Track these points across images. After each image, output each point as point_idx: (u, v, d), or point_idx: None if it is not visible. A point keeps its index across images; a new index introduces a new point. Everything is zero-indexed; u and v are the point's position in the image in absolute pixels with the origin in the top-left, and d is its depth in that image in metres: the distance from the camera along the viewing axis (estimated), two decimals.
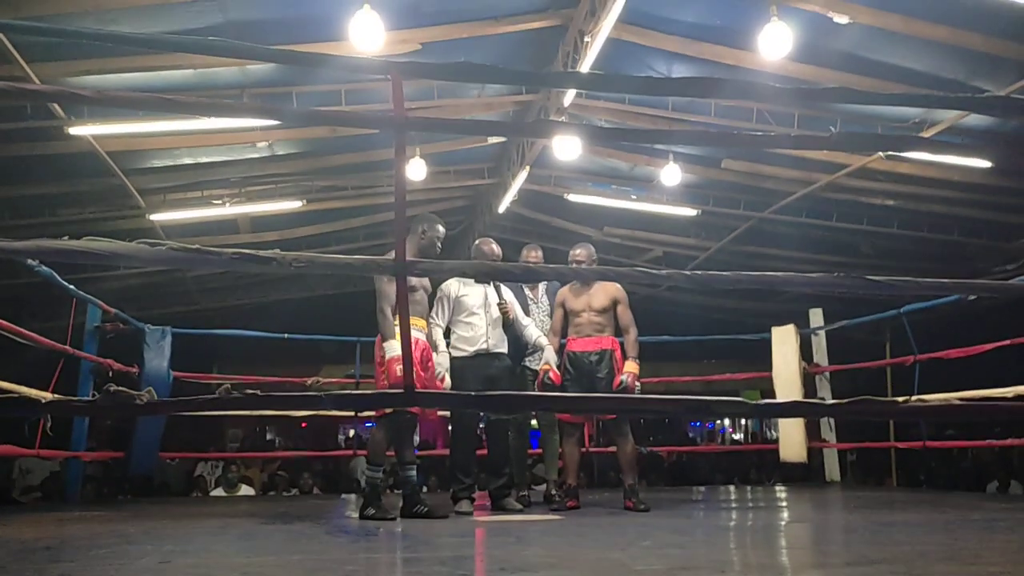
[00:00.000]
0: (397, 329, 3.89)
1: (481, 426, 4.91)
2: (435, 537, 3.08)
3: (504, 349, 4.46)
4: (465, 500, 4.23)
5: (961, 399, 3.98)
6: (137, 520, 4.01)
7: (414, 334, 3.92)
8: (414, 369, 3.84)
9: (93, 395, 1.90)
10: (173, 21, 5.53)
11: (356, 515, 3.89)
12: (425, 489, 7.19)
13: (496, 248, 4.57)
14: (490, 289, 4.43)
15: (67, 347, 4.99)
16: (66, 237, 1.80)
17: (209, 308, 12.28)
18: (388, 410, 3.91)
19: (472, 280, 4.45)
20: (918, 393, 4.88)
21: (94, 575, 2.17)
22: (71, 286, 4.99)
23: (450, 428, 5.15)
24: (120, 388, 1.85)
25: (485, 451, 4.64)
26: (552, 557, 2.53)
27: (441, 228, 4.24)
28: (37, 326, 4.48)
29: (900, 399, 2.04)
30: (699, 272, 2.10)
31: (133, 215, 8.60)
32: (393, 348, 3.81)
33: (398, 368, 3.72)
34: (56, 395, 4.27)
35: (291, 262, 1.90)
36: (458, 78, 4.89)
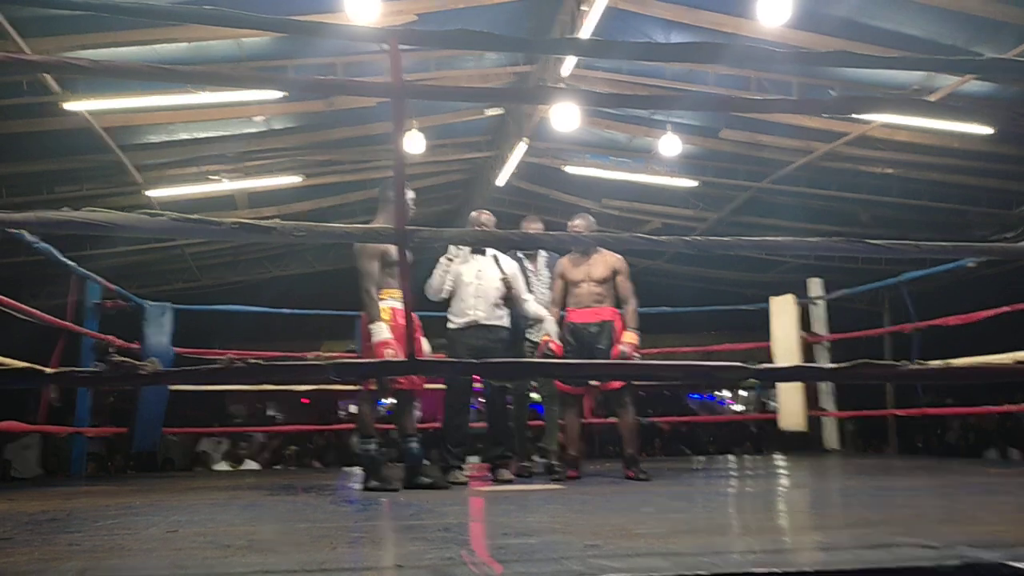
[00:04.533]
0: (384, 305, 3.89)
1: (481, 399, 4.92)
2: (438, 505, 3.10)
3: (498, 322, 4.43)
4: (456, 470, 4.27)
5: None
6: (142, 493, 4.04)
7: (396, 304, 3.93)
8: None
9: (97, 366, 1.91)
10: None
11: (359, 487, 3.92)
12: (426, 462, 7.22)
13: (488, 217, 4.56)
14: (486, 261, 4.42)
15: (68, 323, 4.99)
16: (66, 208, 1.80)
17: (208, 285, 12.31)
18: (373, 385, 3.93)
19: (465, 252, 4.45)
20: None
21: (103, 543, 2.19)
22: (71, 263, 4.98)
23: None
24: (124, 358, 1.86)
25: (485, 423, 4.67)
26: (555, 523, 2.55)
27: (411, 192, 4.00)
28: (36, 304, 4.48)
29: (900, 363, 2.05)
30: (699, 238, 2.11)
31: (130, 191, 8.58)
32: (380, 331, 3.80)
33: (387, 352, 3.71)
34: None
35: (292, 231, 1.90)
36: (457, 46, 4.86)
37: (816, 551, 1.97)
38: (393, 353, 3.72)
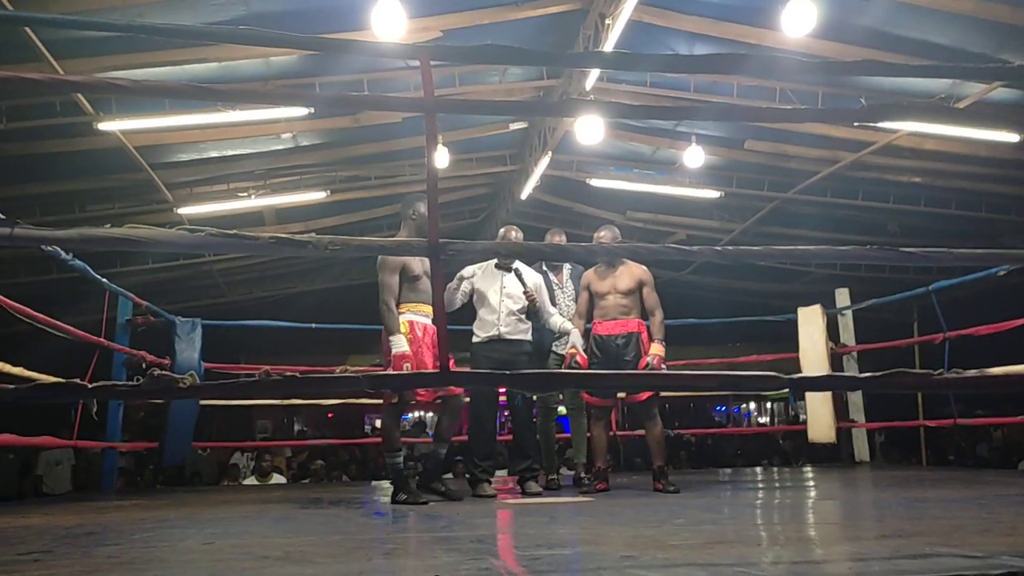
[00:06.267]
0: (402, 318, 3.91)
1: (506, 413, 4.94)
2: (469, 518, 3.11)
3: (521, 336, 4.46)
4: (484, 483, 4.27)
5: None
6: (175, 507, 4.08)
7: (422, 320, 3.96)
8: (426, 353, 3.91)
9: (137, 380, 1.95)
10: (198, 15, 5.59)
11: (388, 500, 3.93)
12: (451, 475, 7.23)
13: (517, 234, 4.58)
14: (508, 277, 4.45)
15: (101, 339, 5.06)
16: (108, 225, 1.84)
17: (235, 300, 12.44)
18: (394, 399, 3.95)
19: (488, 268, 4.48)
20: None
21: (140, 556, 2.22)
22: (103, 279, 5.06)
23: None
24: (164, 372, 1.90)
25: (511, 436, 4.68)
26: (587, 535, 2.55)
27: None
28: (68, 321, 4.55)
29: (934, 372, 2.04)
30: (730, 247, 2.11)
31: (161, 209, 8.71)
32: (400, 344, 3.82)
33: (406, 366, 3.73)
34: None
35: (327, 245, 1.93)
36: (486, 61, 4.92)
37: (850, 562, 1.95)
38: (410, 367, 3.74)
